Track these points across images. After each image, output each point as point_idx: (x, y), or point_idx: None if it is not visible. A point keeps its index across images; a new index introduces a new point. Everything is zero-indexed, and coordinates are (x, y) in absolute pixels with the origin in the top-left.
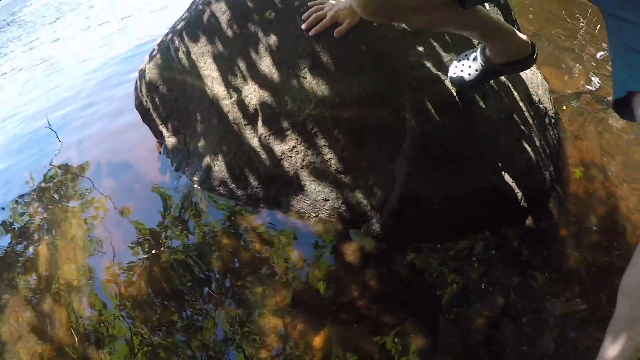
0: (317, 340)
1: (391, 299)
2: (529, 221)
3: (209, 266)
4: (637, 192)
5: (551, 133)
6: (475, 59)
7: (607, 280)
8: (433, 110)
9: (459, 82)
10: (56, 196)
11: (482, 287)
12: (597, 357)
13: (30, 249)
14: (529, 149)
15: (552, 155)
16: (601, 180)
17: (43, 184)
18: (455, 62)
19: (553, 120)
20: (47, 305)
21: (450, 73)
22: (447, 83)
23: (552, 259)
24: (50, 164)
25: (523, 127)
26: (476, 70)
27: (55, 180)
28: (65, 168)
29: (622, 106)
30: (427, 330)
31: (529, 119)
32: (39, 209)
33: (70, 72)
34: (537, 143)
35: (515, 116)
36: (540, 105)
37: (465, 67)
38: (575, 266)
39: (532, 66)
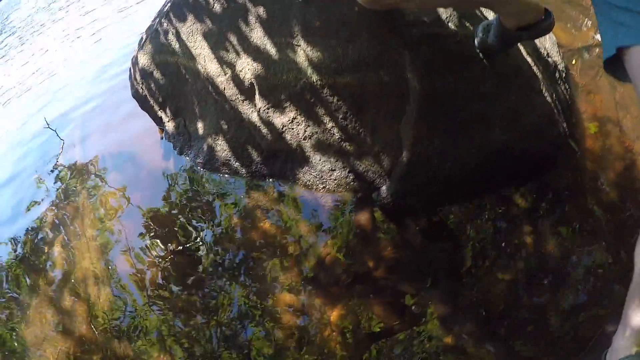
0: (335, 315)
1: (407, 267)
2: (544, 179)
3: (223, 247)
4: None
5: (562, 88)
6: (494, 24)
7: (627, 237)
8: (435, 69)
9: (483, 47)
10: (65, 195)
11: (500, 249)
12: (620, 324)
13: (47, 249)
14: (540, 104)
15: (565, 111)
16: (617, 135)
17: (51, 185)
18: (479, 27)
19: (563, 75)
20: (68, 303)
21: (476, 39)
22: (448, 39)
23: (570, 217)
24: (56, 164)
25: (532, 83)
26: (496, 36)
27: (62, 179)
28: (70, 166)
29: (615, 67)
30: (446, 297)
31: (537, 73)
32: (51, 210)
33: (66, 70)
34: (548, 98)
35: (523, 71)
36: (549, 59)
37: (489, 34)
38: (594, 224)
39: (549, 32)
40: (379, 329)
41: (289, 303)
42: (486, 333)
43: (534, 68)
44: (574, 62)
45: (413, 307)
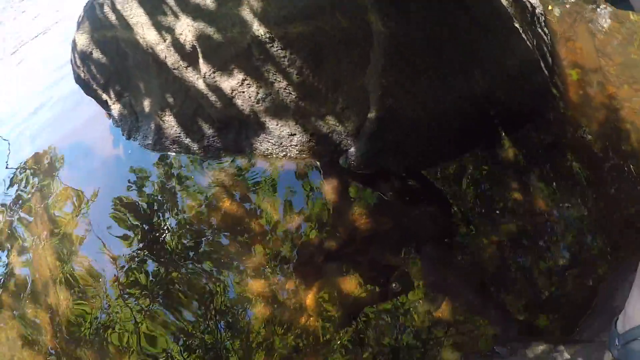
0: (310, 298)
1: (386, 237)
2: (527, 132)
3: (184, 237)
4: None
5: (541, 32)
6: None
7: (611, 187)
8: (402, 10)
9: None
10: (17, 198)
11: (485, 210)
12: (634, 287)
13: (5, 259)
14: (520, 49)
15: (545, 57)
16: (600, 82)
17: (2, 190)
18: None
19: (542, 20)
20: (31, 313)
21: None
22: None
23: (553, 169)
24: (6, 167)
25: (510, 25)
26: None
27: (14, 182)
28: (21, 167)
29: None
30: (432, 266)
31: (515, 15)
32: (3, 216)
33: (9, 72)
34: (528, 42)
35: (500, 12)
36: (526, 2)
37: None
38: (578, 178)
39: None
40: (360, 309)
41: (260, 291)
42: (479, 301)
43: (510, 9)
44: (550, 8)
45: (396, 283)
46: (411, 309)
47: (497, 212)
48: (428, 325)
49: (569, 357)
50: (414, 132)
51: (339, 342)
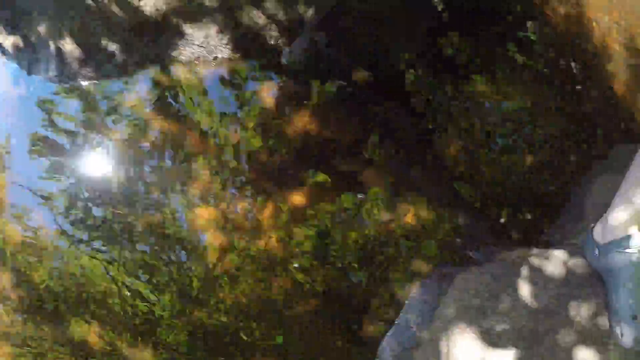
0: (266, 216)
1: (342, 139)
2: (497, 22)
3: (116, 165)
4: None
5: None
6: None
7: (581, 85)
8: None
9: None
10: None
11: (446, 103)
12: (617, 197)
13: None
14: None
15: None
16: None
17: None
18: None
19: None
20: None
21: None
22: None
23: (515, 63)
24: None
25: None
26: None
27: None
28: None
29: None
30: (394, 167)
31: None
32: None
33: None
34: None
35: None
36: None
37: None
38: (541, 71)
39: None
40: (323, 221)
41: (210, 217)
42: (447, 202)
43: None
44: None
45: (359, 188)
46: (376, 215)
47: (463, 107)
48: (395, 233)
49: (544, 261)
50: (369, 19)
51: (302, 257)
